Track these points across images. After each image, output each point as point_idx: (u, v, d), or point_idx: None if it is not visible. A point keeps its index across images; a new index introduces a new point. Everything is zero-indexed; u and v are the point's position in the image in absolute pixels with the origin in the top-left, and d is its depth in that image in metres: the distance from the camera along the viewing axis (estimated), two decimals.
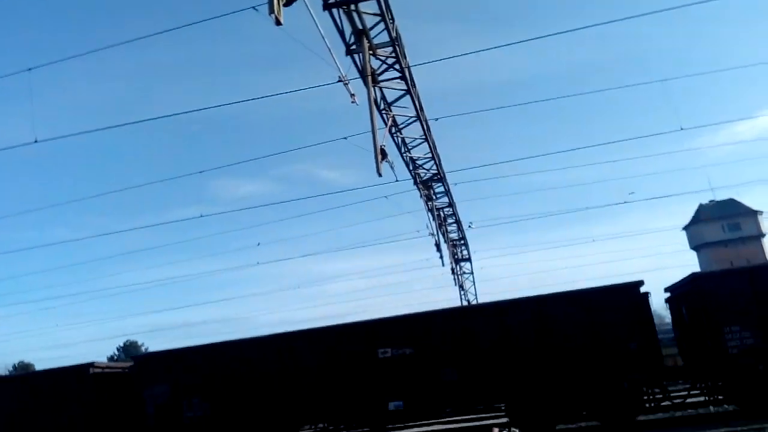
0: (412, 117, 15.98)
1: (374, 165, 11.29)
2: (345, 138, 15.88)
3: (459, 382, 14.69)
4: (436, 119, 17.59)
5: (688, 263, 69.50)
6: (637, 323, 14.28)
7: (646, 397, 14.70)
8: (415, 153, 18.74)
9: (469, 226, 28.46)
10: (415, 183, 20.07)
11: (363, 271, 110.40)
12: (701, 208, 65.91)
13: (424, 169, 20.14)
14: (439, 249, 23.20)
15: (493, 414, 17.11)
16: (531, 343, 14.55)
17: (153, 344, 73.03)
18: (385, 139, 13.32)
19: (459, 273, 30.92)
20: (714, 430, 12.48)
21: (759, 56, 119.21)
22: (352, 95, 11.57)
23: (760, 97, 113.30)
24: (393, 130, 16.20)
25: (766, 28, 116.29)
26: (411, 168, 19.28)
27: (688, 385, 15.84)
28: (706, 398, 15.13)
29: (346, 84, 11.33)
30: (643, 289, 14.70)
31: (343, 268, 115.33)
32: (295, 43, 10.74)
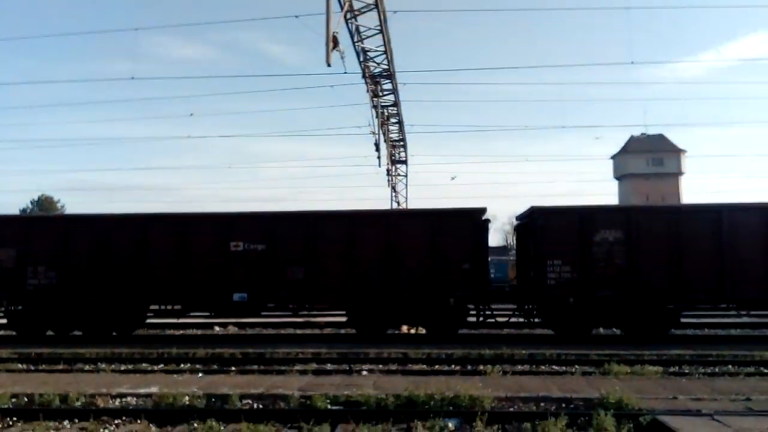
0: (370, 4, 15.12)
1: (324, 50, 10.67)
2: (297, 16, 14.86)
3: (304, 282, 15.31)
4: (395, 12, 16.76)
5: (610, 191, 72.90)
6: (473, 246, 15.06)
7: (473, 314, 15.87)
8: (368, 44, 17.98)
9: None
10: (364, 76, 19.40)
11: (299, 158, 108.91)
12: (631, 140, 68.26)
13: (374, 62, 19.43)
14: (378, 148, 22.99)
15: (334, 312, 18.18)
16: (377, 254, 15.21)
17: (71, 203, 70.53)
18: (339, 25, 12.59)
19: (394, 174, 31.04)
20: (526, 349, 13.44)
21: None
22: None
23: (705, 38, 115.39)
24: (348, 15, 15.31)
25: None
26: (361, 60, 18.54)
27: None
28: (526, 321, 16.50)
29: None
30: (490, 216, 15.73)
31: (279, 151, 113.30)
32: None
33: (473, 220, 15.29)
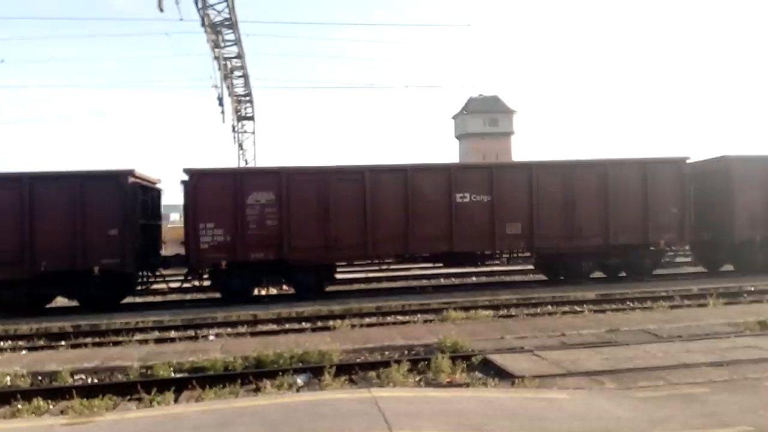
0: None
1: None
2: None
3: None
4: None
5: (454, 150, 76.91)
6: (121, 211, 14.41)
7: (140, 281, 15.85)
8: None
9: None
10: (203, 25, 18.17)
11: (134, 111, 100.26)
12: (470, 101, 72.31)
13: (215, 10, 18.25)
14: (221, 103, 21.89)
15: None
16: None
17: None
18: None
19: (240, 131, 29.88)
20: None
21: None
22: None
23: None
24: None
25: None
26: (200, 7, 17.30)
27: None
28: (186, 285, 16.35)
29: None
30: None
31: (110, 103, 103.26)
32: None
33: (119, 184, 14.41)
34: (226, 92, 23.39)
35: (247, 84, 27.25)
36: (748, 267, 17.39)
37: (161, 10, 9.76)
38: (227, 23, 19.09)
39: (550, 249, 16.53)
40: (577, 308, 13.00)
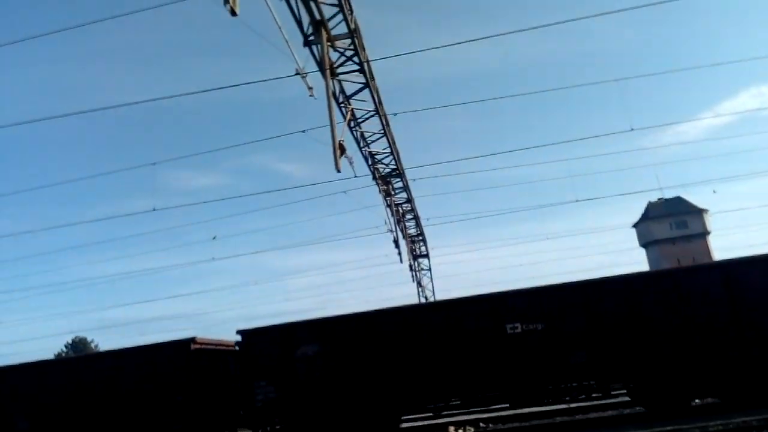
0: (371, 111, 15.80)
1: (332, 159, 11.04)
2: (303, 131, 15.55)
3: None
4: (395, 114, 17.46)
5: (639, 259, 71.46)
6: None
7: None
8: (374, 147, 18.57)
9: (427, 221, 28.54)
10: (374, 178, 19.90)
11: (322, 266, 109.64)
12: (650, 206, 67.93)
13: (383, 164, 19.98)
14: (397, 245, 23.14)
15: None
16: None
17: (103, 341, 70.78)
18: (344, 134, 13.11)
19: (417, 269, 30.93)
20: None
21: (704, 59, 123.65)
22: (310, 88, 11.31)
23: (701, 99, 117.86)
24: (352, 123, 15.98)
25: (714, 30, 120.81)
26: (370, 163, 19.09)
27: None
28: None
29: (304, 77, 11.03)
30: None
31: (301, 263, 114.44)
32: (250, 32, 10.34)
33: (185, 351, 15.41)
34: (400, 235, 24.75)
35: (418, 224, 28.67)
36: None
37: (338, 170, 10.91)
38: (395, 173, 20.70)
39: None
40: None
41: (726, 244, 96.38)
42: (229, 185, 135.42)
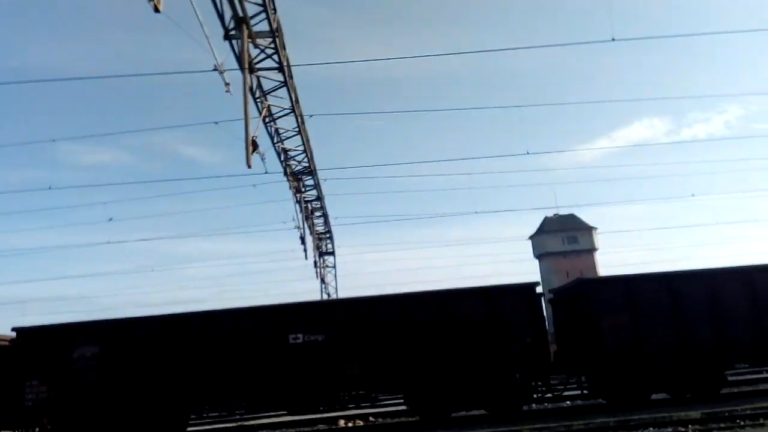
0: (287, 109, 16.01)
1: (244, 154, 11.22)
2: (216, 123, 15.51)
3: None
4: (310, 116, 17.77)
5: (533, 270, 75.76)
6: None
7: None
8: (288, 144, 18.75)
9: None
10: (286, 174, 20.08)
11: (224, 256, 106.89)
12: (546, 221, 72.24)
13: (295, 161, 20.20)
14: (303, 241, 23.40)
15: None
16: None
17: None
18: (258, 129, 13.28)
19: (322, 266, 31.31)
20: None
21: (601, 94, 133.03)
22: (227, 84, 11.37)
23: (600, 127, 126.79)
24: (267, 119, 16.12)
25: (614, 65, 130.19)
26: (282, 159, 19.25)
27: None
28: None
29: (222, 73, 11.10)
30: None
31: (202, 251, 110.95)
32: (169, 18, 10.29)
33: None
34: (307, 231, 25.02)
35: (326, 222, 29.05)
36: None
37: (249, 166, 11.10)
38: (307, 171, 20.98)
39: None
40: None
41: (610, 260, 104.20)
42: (127, 164, 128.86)
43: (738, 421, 12.35)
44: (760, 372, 22.01)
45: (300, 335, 15.06)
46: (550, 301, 19.06)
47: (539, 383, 16.04)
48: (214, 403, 15.58)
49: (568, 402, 17.92)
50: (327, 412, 16.40)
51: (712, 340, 15.72)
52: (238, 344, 14.97)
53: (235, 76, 12.10)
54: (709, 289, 16.02)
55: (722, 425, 12.05)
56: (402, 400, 16.71)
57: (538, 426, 12.74)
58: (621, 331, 15.58)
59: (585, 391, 17.21)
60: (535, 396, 16.02)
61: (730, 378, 18.57)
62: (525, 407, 16.01)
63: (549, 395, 16.71)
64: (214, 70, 10.88)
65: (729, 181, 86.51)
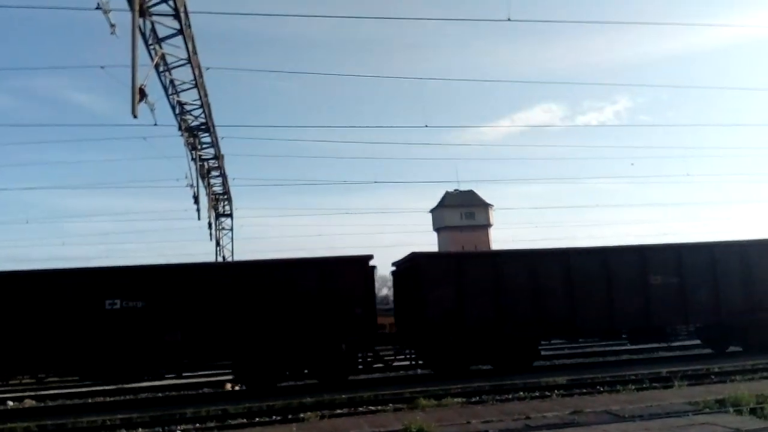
0: (183, 59, 15.14)
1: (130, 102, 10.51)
2: (102, 67, 14.38)
3: None
4: (208, 68, 16.94)
5: (431, 242, 78.08)
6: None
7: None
8: (184, 97, 17.79)
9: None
10: (180, 129, 19.11)
11: (111, 213, 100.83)
12: (446, 195, 74.40)
13: (191, 115, 19.25)
14: (197, 201, 22.49)
15: None
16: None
17: None
18: (148, 78, 12.48)
19: (218, 228, 30.38)
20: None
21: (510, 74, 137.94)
22: (113, 25, 10.51)
23: (502, 107, 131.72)
24: (161, 68, 15.17)
25: (518, 48, 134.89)
26: (177, 112, 18.26)
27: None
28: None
29: (106, 13, 10.23)
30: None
31: (87, 206, 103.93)
32: None
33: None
34: (203, 191, 24.10)
35: (225, 183, 28.12)
36: None
37: (135, 116, 10.41)
38: (203, 127, 20.09)
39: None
40: (547, 393, 13.09)
41: (503, 236, 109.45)
42: (9, 108, 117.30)
43: (598, 387, 13.62)
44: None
45: (117, 301, 14.55)
46: (392, 274, 19.74)
47: (368, 354, 16.54)
48: (23, 370, 14.77)
49: (401, 372, 18.35)
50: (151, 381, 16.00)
51: (530, 316, 16.85)
52: (53, 308, 14.27)
53: (126, 18, 11.25)
54: (529, 268, 17.08)
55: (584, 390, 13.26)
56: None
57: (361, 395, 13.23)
58: (444, 304, 16.35)
59: (415, 362, 17.73)
60: (360, 367, 16.52)
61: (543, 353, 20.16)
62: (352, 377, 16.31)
63: (379, 365, 17.34)
64: (97, 8, 10.02)
65: (617, 167, 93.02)
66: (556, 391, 13.26)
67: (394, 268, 19.09)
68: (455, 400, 12.23)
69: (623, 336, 18.51)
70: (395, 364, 18.12)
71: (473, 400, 12.64)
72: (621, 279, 17.43)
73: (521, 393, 13.21)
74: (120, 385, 16.30)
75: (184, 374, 16.05)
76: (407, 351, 17.39)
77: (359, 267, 15.94)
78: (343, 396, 13.40)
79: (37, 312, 14.17)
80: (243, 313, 15.09)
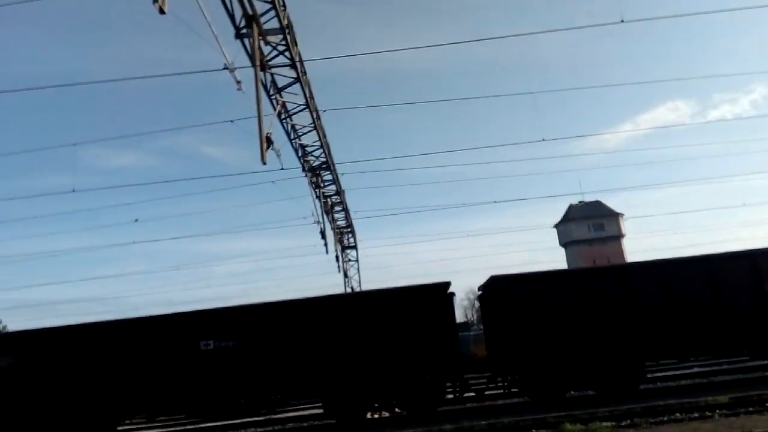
0: (301, 105, 16.10)
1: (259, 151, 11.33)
2: (232, 121, 15.67)
3: None
4: (324, 111, 17.84)
5: (560, 259, 75.03)
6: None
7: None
8: (305, 140, 18.86)
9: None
10: (304, 170, 20.21)
11: (248, 254, 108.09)
12: (571, 208, 71.35)
13: (313, 156, 20.31)
14: (324, 236, 23.54)
15: None
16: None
17: (13, 323, 67.09)
18: (273, 126, 13.40)
19: (344, 260, 31.47)
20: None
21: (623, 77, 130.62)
22: (238, 82, 11.48)
23: (623, 111, 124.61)
24: (282, 115, 16.23)
25: (636, 50, 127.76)
26: (300, 155, 19.39)
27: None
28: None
29: (232, 71, 11.21)
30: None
31: (227, 249, 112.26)
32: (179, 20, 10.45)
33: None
34: (328, 226, 25.17)
35: (347, 216, 29.20)
36: None
37: (264, 163, 11.21)
38: (324, 166, 21.09)
39: None
40: (707, 413, 11.93)
41: (639, 246, 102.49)
42: (153, 166, 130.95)
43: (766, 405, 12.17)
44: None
45: (211, 342, 15.23)
46: (477, 299, 18.63)
47: (456, 383, 15.84)
48: (134, 412, 15.49)
49: (499, 401, 17.14)
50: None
51: (630, 334, 15.34)
52: (156, 351, 15.14)
53: (249, 74, 12.23)
54: (622, 283, 15.60)
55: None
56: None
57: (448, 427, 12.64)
58: (531, 327, 15.27)
59: (509, 390, 16.65)
60: (450, 396, 15.81)
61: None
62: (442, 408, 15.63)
63: (471, 395, 16.42)
64: (225, 68, 11.01)
65: (758, 162, 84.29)
66: (717, 410, 12.04)
67: (480, 292, 18.40)
68: (604, 424, 11.50)
69: (744, 352, 16.38)
70: (488, 392, 17.10)
71: (624, 423, 11.81)
72: (731, 288, 15.66)
73: (677, 414, 12.15)
74: (227, 421, 16.96)
75: (276, 410, 16.31)
76: (499, 379, 16.55)
77: (437, 295, 15.61)
78: (483, 422, 13.07)
79: (143, 355, 15.20)
80: (328, 346, 15.27)
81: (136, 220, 30.82)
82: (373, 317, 15.48)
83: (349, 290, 30.91)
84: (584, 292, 15.68)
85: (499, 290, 16.07)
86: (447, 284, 15.87)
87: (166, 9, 7.20)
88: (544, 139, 18.68)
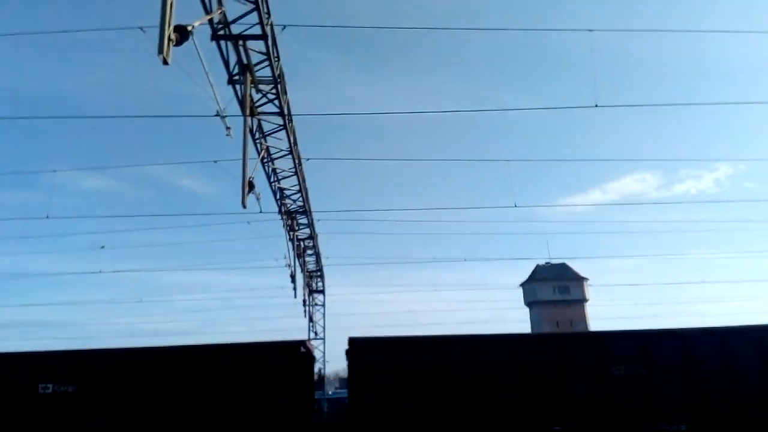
0: (285, 150, 16.42)
1: (240, 194, 11.53)
2: (215, 161, 15.87)
3: None
4: (308, 159, 18.19)
5: (524, 318, 75.48)
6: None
7: None
8: (285, 184, 19.11)
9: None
10: (280, 212, 20.38)
11: (215, 289, 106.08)
12: (537, 269, 72.24)
13: (290, 200, 20.53)
14: (293, 280, 23.53)
15: None
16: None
17: None
18: (255, 169, 13.65)
19: (311, 304, 31.32)
20: None
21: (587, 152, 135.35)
22: (228, 128, 11.75)
23: (591, 180, 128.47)
24: (265, 159, 16.51)
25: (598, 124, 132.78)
26: (278, 198, 19.59)
27: None
28: None
29: (224, 118, 11.49)
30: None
31: (191, 284, 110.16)
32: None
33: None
34: (298, 270, 25.17)
35: (318, 261, 29.25)
36: None
37: (244, 206, 11.40)
38: (301, 210, 21.31)
39: None
40: None
41: (601, 312, 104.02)
42: (122, 191, 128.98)
43: None
44: None
45: (50, 385, 14.78)
46: (346, 356, 17.84)
47: None
48: None
49: None
50: None
51: (474, 403, 15.08)
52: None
53: (236, 118, 12.54)
54: (477, 355, 15.40)
55: None
56: None
57: None
58: (380, 393, 15.02)
59: None
60: None
61: None
62: None
63: None
64: (216, 115, 11.29)
65: (718, 240, 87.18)
66: None
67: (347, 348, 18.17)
68: None
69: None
70: None
71: None
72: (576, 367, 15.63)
73: None
74: None
75: None
76: None
77: (289, 354, 15.33)
78: None
79: None
80: (173, 399, 14.82)
81: (103, 247, 30.19)
82: (222, 371, 15.03)
83: (312, 335, 30.69)
84: (436, 360, 15.35)
85: (353, 352, 15.66)
86: (301, 343, 15.62)
87: (170, 61, 7.48)
88: (516, 206, 19.26)
